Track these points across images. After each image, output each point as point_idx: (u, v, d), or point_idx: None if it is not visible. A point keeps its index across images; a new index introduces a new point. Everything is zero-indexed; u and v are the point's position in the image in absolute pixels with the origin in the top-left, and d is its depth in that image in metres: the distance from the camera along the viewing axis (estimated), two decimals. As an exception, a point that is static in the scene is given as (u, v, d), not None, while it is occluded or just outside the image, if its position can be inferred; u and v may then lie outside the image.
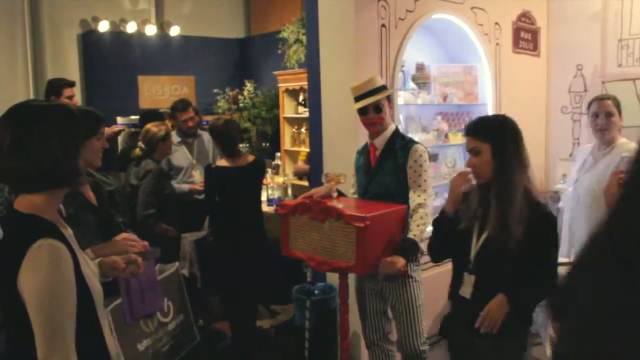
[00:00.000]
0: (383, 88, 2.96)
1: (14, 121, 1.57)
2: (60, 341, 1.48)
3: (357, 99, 2.94)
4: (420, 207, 2.81)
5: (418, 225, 2.76)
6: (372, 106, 2.91)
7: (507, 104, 4.71)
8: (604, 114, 3.22)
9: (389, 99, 3.00)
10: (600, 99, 3.33)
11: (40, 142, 1.55)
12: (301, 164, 5.55)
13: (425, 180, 2.88)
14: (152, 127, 3.99)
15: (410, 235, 2.75)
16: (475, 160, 2.28)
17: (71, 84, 4.65)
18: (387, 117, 2.98)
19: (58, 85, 4.57)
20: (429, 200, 2.87)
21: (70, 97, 4.57)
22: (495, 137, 2.23)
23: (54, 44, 7.13)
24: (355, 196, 3.13)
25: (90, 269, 1.73)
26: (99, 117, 2.42)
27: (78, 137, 1.65)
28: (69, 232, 1.68)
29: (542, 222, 2.24)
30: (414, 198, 2.84)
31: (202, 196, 4.30)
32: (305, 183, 5.29)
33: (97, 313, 1.68)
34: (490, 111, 4.62)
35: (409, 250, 2.73)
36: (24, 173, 1.54)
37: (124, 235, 2.32)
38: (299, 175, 5.22)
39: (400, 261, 2.64)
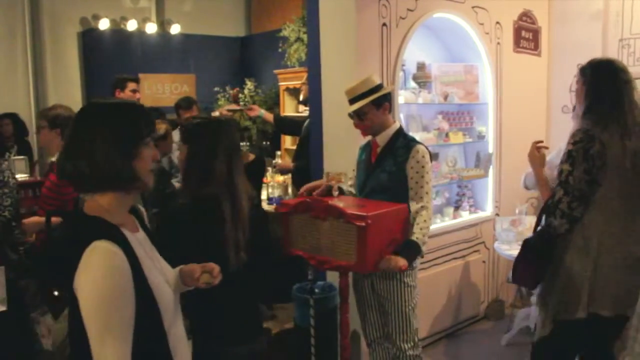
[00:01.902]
0: (368, 93, 2.89)
1: (78, 122, 1.54)
2: (112, 350, 1.39)
3: (349, 102, 2.97)
4: (423, 209, 2.84)
5: (421, 229, 2.80)
6: (355, 113, 2.93)
7: (508, 103, 4.71)
8: None
9: (380, 102, 2.91)
10: None
11: (87, 143, 1.48)
12: (284, 161, 5.52)
13: (427, 182, 2.88)
14: None
15: (413, 237, 2.79)
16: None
17: (135, 79, 4.88)
18: (376, 122, 2.94)
19: (122, 79, 4.80)
20: (430, 203, 2.90)
21: (134, 91, 4.80)
22: (189, 140, 2.38)
23: (54, 42, 7.14)
24: (352, 189, 3.13)
25: (164, 275, 1.66)
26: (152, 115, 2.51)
27: (132, 137, 1.54)
28: (137, 236, 1.61)
29: None
30: (417, 200, 2.86)
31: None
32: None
33: (162, 322, 1.57)
34: (491, 110, 4.63)
35: (411, 251, 2.75)
36: (76, 174, 1.49)
37: None
38: (282, 171, 5.21)
39: (400, 261, 2.66)
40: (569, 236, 2.53)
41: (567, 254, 2.54)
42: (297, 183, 4.62)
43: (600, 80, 2.56)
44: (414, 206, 2.85)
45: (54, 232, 3.18)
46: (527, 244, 2.69)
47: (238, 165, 2.33)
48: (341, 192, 3.01)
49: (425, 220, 2.82)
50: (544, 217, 2.64)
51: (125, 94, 4.70)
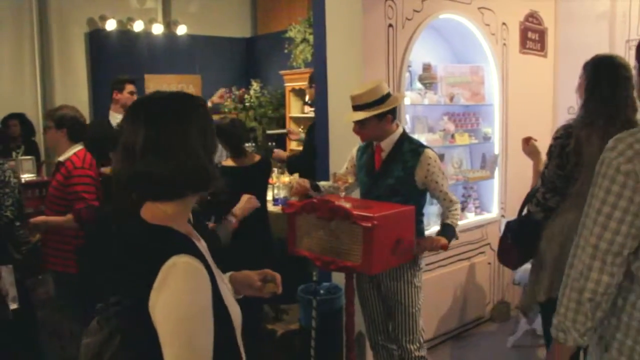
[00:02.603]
0: (371, 105, 2.86)
1: (145, 117, 1.32)
2: None
3: (352, 107, 2.94)
4: (456, 203, 2.97)
5: (454, 216, 2.96)
6: (357, 121, 2.91)
7: (514, 104, 4.70)
8: None
9: (382, 115, 2.87)
10: None
11: (180, 141, 1.31)
12: (280, 151, 5.46)
13: (446, 182, 2.97)
14: None
15: (448, 221, 2.95)
16: None
17: (133, 80, 4.84)
18: (376, 132, 2.92)
19: (120, 80, 4.78)
20: (455, 197, 3.02)
21: (132, 93, 4.78)
22: None
23: (61, 42, 7.17)
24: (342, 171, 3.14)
25: (227, 287, 1.51)
26: None
27: (212, 131, 1.40)
28: (202, 244, 1.44)
29: None
30: (448, 198, 2.95)
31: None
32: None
33: (237, 342, 1.44)
34: (497, 112, 4.62)
35: (449, 233, 2.92)
36: (161, 178, 1.30)
37: (247, 195, 2.72)
38: (278, 160, 5.19)
39: (442, 240, 2.86)
40: (544, 224, 2.74)
41: (541, 240, 2.74)
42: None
43: (600, 76, 2.64)
44: (450, 201, 2.95)
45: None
46: (507, 226, 2.98)
47: None
48: (317, 188, 3.07)
49: (456, 209, 2.96)
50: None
51: (123, 96, 4.69)
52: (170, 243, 1.31)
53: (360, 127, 2.92)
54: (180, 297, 1.23)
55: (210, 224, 2.76)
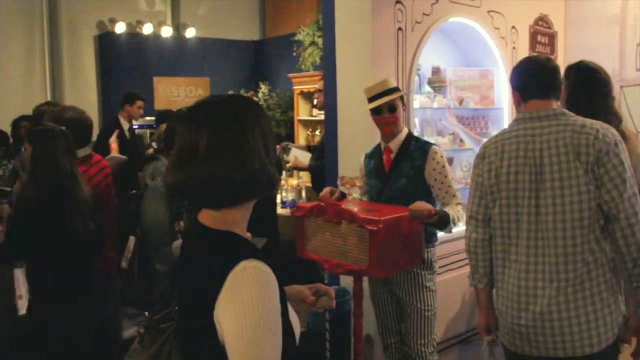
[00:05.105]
0: (396, 89, 2.94)
1: (208, 121, 1.26)
2: None
3: (371, 99, 2.93)
4: (459, 204, 2.86)
5: (452, 209, 2.78)
6: (387, 106, 2.89)
7: (524, 108, 4.68)
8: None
9: (403, 101, 2.98)
10: None
11: (246, 145, 1.25)
12: (296, 160, 5.37)
13: (452, 180, 2.92)
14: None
15: (446, 209, 2.77)
16: None
17: (144, 98, 5.79)
18: (401, 119, 2.96)
19: (133, 95, 5.67)
20: (462, 199, 2.92)
21: (140, 108, 5.70)
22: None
23: (71, 45, 7.21)
24: (364, 198, 3.12)
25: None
26: None
27: (271, 134, 1.36)
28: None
29: None
30: (451, 200, 2.86)
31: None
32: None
33: (298, 357, 1.34)
34: (506, 116, 4.60)
35: (441, 219, 2.68)
36: (229, 184, 1.24)
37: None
38: (296, 169, 5.15)
39: (428, 206, 2.59)
40: None
41: None
42: (316, 186, 4.62)
43: (579, 87, 2.65)
44: (452, 203, 2.85)
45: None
46: None
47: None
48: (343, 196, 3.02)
49: (459, 210, 2.80)
50: None
51: (133, 109, 5.60)
52: (237, 248, 1.26)
53: (390, 112, 2.90)
54: (252, 303, 1.16)
55: None
